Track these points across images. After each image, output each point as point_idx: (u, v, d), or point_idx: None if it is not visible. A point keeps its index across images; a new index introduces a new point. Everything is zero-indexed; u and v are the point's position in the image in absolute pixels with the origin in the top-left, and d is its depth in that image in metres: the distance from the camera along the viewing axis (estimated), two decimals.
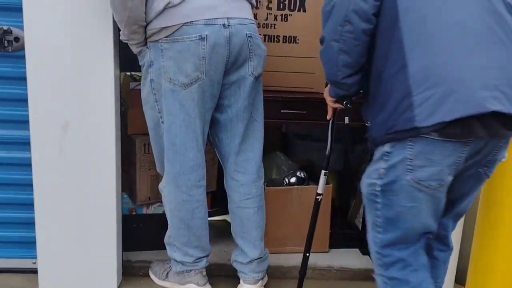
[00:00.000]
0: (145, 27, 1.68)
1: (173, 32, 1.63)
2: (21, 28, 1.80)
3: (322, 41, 1.44)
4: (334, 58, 1.41)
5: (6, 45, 1.85)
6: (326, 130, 2.50)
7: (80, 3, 1.76)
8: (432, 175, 1.29)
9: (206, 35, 1.62)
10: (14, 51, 1.86)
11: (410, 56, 1.26)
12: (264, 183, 2.00)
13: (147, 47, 1.70)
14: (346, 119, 1.88)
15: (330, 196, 2.27)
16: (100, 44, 1.80)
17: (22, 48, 1.83)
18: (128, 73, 2.24)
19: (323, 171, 1.87)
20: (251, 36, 1.72)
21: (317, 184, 2.38)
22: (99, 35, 1.80)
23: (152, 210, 2.26)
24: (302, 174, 2.34)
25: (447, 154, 1.27)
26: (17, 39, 1.85)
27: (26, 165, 1.91)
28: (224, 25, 1.64)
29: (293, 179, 2.34)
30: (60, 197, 1.91)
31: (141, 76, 2.25)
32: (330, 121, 1.83)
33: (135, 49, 1.76)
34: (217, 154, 1.97)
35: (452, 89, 1.21)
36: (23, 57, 1.81)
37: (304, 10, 2.11)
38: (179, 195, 1.82)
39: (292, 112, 2.17)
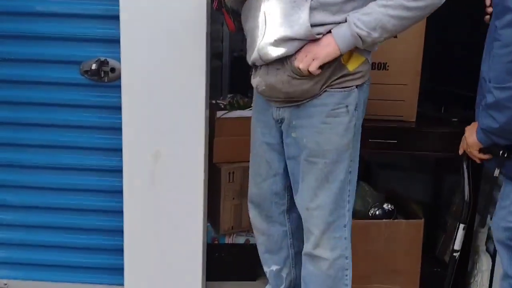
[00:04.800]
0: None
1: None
2: (118, 59, 1.86)
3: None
4: None
5: (102, 76, 1.91)
6: (416, 160, 2.35)
7: (175, 36, 1.79)
8: None
9: None
10: (109, 81, 1.92)
11: None
12: None
13: (356, 87, 1.47)
14: None
15: (422, 231, 2.12)
16: (192, 74, 1.82)
17: (117, 78, 1.89)
18: (214, 101, 2.25)
19: (461, 225, 1.66)
20: None
21: (406, 218, 2.25)
22: (192, 65, 1.81)
23: (233, 239, 2.24)
24: (390, 207, 2.22)
25: None
26: (113, 69, 1.91)
27: (117, 192, 1.95)
28: None
29: (379, 212, 2.23)
30: (148, 225, 1.93)
31: (226, 104, 2.26)
32: (465, 164, 1.61)
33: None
34: None
35: None
36: (118, 86, 1.86)
37: (395, 36, 2.03)
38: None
39: (381, 142, 2.08)
